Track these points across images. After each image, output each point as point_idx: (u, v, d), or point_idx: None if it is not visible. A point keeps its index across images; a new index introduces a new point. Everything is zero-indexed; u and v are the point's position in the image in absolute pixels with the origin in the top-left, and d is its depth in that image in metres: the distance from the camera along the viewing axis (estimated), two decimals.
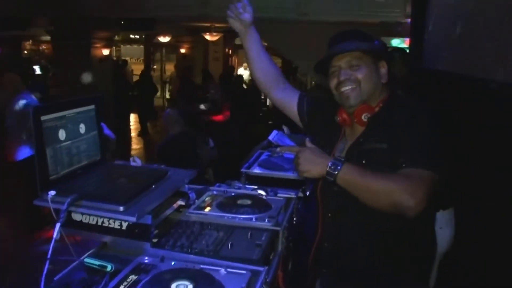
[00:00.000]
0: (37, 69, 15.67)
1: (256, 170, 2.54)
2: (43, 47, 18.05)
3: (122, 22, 8.90)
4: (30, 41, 17.80)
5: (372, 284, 1.69)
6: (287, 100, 2.01)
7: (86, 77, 8.91)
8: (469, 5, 2.80)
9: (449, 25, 3.01)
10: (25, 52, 18.47)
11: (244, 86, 11.03)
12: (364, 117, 1.67)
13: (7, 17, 9.08)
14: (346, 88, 1.68)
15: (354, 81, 1.67)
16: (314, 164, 1.54)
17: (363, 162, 1.60)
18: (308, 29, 8.05)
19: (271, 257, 1.64)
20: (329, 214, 1.77)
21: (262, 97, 13.39)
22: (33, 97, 5.09)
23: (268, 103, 13.15)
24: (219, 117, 6.61)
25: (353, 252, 1.69)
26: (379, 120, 1.66)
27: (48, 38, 13.51)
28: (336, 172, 1.49)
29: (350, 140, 1.76)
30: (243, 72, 16.27)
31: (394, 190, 1.43)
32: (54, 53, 11.84)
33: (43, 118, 1.50)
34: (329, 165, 1.50)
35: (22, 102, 4.98)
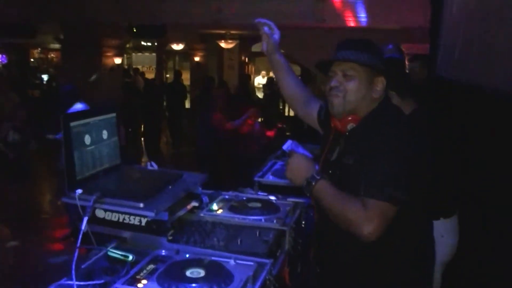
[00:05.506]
0: (45, 78, 16.24)
1: (269, 179, 2.78)
2: (52, 55, 18.68)
3: (134, 30, 9.30)
4: (38, 49, 18.42)
5: None
6: (310, 114, 2.25)
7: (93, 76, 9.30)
8: (483, 11, 3.02)
9: (461, 32, 3.25)
10: (32, 60, 19.12)
11: (260, 96, 11.28)
12: (349, 127, 1.85)
13: (15, 24, 9.54)
14: (332, 95, 1.84)
15: (341, 91, 1.82)
16: (296, 175, 1.82)
17: (338, 173, 1.83)
18: (326, 36, 8.34)
19: (278, 254, 1.90)
20: (319, 218, 1.98)
21: (281, 107, 13.75)
22: None
23: (286, 114, 13.45)
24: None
25: (339, 255, 1.90)
26: (355, 134, 1.83)
27: (56, 46, 14.04)
28: (310, 189, 1.77)
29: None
30: (261, 80, 16.61)
31: (350, 219, 1.67)
32: (63, 62, 12.33)
33: (72, 124, 1.81)
34: (306, 180, 1.77)
35: None
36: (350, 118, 1.84)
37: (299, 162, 1.83)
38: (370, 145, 1.73)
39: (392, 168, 1.68)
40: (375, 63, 1.82)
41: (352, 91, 1.81)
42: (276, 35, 2.24)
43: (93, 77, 9.37)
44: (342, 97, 1.82)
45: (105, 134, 2.03)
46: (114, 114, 2.09)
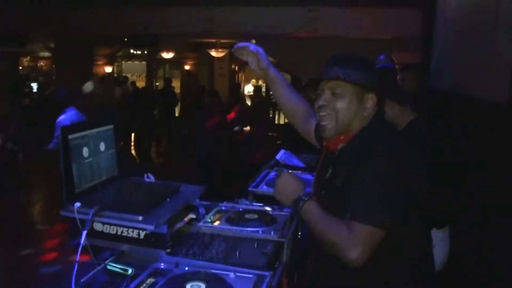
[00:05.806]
0: (34, 87, 16.14)
1: (263, 189, 2.76)
2: (41, 63, 18.57)
3: (126, 39, 9.30)
4: (28, 57, 18.30)
5: None
6: (309, 130, 2.21)
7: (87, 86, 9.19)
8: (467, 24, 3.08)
9: (450, 43, 3.29)
10: (20, 68, 18.95)
11: (248, 103, 11.34)
12: (339, 147, 1.82)
13: (6, 33, 9.50)
14: (322, 114, 1.79)
15: (331, 110, 1.76)
16: (284, 194, 1.80)
17: (330, 194, 1.80)
18: (318, 46, 8.40)
19: (276, 265, 1.90)
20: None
21: (271, 115, 13.77)
22: None
23: (276, 122, 13.47)
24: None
25: (334, 266, 1.81)
26: (344, 154, 1.80)
27: (46, 54, 13.98)
28: (297, 210, 1.75)
29: None
30: (251, 88, 16.69)
31: (335, 243, 1.64)
32: (55, 70, 12.29)
33: (70, 136, 1.80)
34: (293, 201, 1.76)
35: None
36: (342, 138, 1.81)
37: (286, 183, 1.80)
38: (358, 165, 1.69)
39: (381, 190, 1.63)
40: (365, 81, 1.77)
41: (343, 110, 1.76)
42: (260, 51, 2.20)
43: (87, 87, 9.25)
44: (334, 119, 1.77)
45: (102, 146, 2.02)
46: (111, 126, 2.09)
